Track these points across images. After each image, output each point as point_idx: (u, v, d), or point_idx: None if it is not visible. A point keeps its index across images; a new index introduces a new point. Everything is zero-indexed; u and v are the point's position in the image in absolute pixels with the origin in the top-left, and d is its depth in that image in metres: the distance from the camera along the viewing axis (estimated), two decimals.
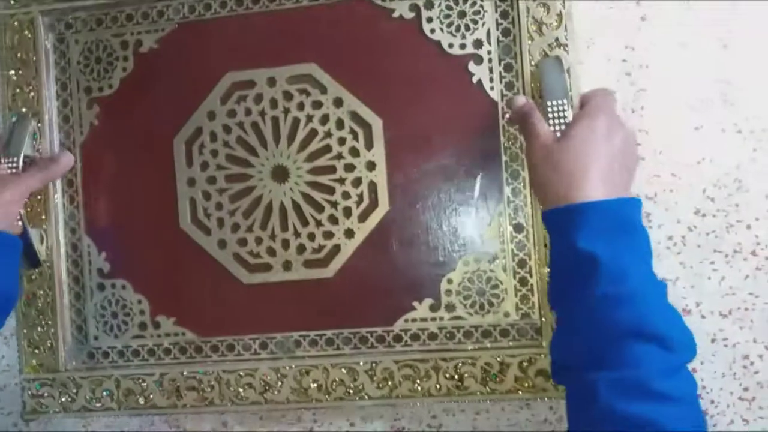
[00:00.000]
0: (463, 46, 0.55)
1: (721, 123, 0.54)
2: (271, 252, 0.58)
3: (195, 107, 0.58)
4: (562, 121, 0.49)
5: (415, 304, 0.56)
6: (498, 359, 0.54)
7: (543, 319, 0.54)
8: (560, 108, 0.50)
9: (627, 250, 0.42)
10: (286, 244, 0.57)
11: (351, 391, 0.56)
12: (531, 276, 0.54)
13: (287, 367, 0.57)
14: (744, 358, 0.54)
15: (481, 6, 0.55)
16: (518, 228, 0.55)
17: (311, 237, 0.57)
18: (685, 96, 0.54)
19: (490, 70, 0.55)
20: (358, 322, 0.57)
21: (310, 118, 0.57)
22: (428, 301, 0.56)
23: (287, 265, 0.57)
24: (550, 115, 0.50)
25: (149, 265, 0.59)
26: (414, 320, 0.56)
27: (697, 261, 0.54)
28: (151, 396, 0.58)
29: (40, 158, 0.57)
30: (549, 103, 0.50)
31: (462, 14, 0.55)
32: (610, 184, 0.44)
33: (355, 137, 0.56)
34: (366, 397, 0.56)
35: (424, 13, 0.55)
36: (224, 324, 0.58)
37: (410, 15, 0.56)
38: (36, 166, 0.56)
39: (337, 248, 0.57)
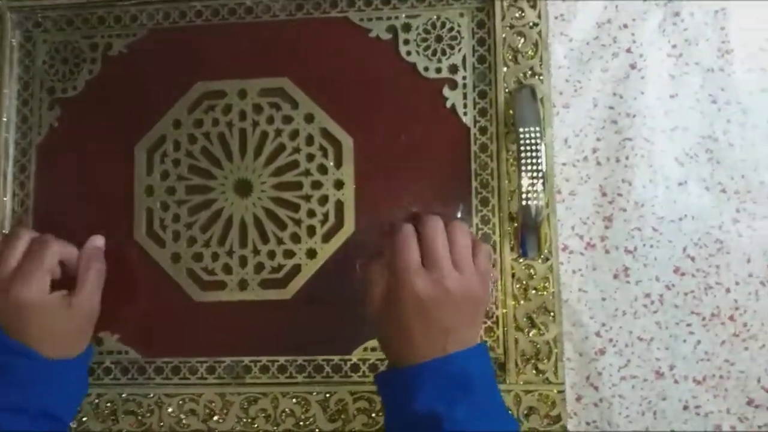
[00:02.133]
0: (438, 71, 0.55)
1: (705, 180, 0.53)
2: (227, 269, 0.55)
3: (161, 115, 0.56)
4: (533, 149, 0.48)
5: None
6: None
7: (507, 355, 0.51)
8: (532, 135, 0.49)
9: (467, 404, 0.40)
10: (243, 261, 0.55)
11: (301, 423, 0.52)
12: (497, 308, 0.52)
13: (234, 394, 0.53)
14: (716, 427, 0.51)
15: (458, 32, 0.55)
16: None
17: (271, 255, 0.54)
18: (671, 150, 0.53)
19: (465, 96, 0.54)
20: (314, 348, 0.53)
21: (279, 133, 0.55)
22: None
23: (243, 284, 0.54)
24: (522, 142, 0.49)
25: None
26: (374, 349, 0.53)
27: (674, 322, 0.52)
28: (84, 419, 0.53)
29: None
30: (521, 130, 0.49)
31: (439, 39, 0.55)
32: (432, 341, 0.42)
33: (325, 154, 0.55)
34: (317, 430, 0.52)
35: (401, 35, 0.55)
36: (171, 344, 0.54)
37: (387, 36, 0.55)
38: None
39: (297, 269, 0.54)
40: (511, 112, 0.53)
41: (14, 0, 0.57)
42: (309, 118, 0.55)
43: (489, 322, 0.52)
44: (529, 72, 0.53)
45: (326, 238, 0.54)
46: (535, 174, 0.48)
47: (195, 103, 0.56)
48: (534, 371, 0.50)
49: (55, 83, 0.57)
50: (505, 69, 0.53)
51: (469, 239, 0.46)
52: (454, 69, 0.55)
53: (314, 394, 0.52)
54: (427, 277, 0.43)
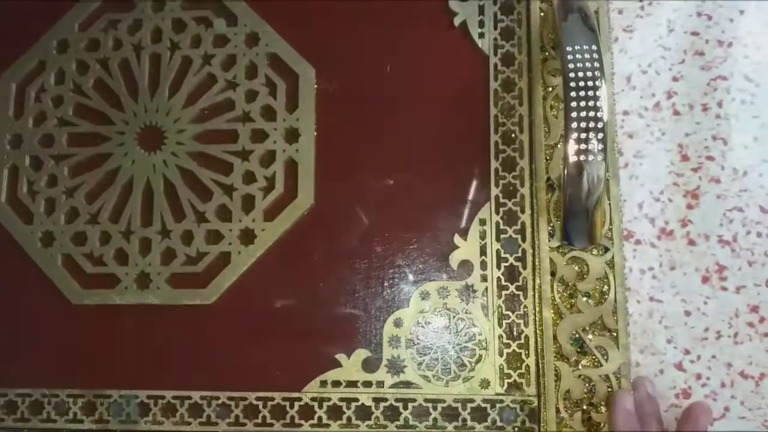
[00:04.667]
0: None
1: None
2: (122, 257, 0.37)
3: (41, 33, 0.39)
4: (587, 82, 0.31)
5: (340, 356, 0.35)
6: None
7: (544, 396, 0.33)
8: (587, 59, 0.31)
9: None
10: (146, 245, 0.37)
11: None
12: (527, 324, 0.34)
13: None
14: None
15: None
16: (510, 245, 0.35)
17: (187, 238, 0.37)
18: None
19: (481, 10, 0.37)
20: (245, 380, 0.35)
21: (208, 60, 0.38)
22: (361, 354, 0.35)
23: (143, 280, 0.37)
24: (570, 66, 0.31)
25: None
26: (336, 383, 0.35)
27: None
28: None
29: None
30: (568, 49, 0.32)
31: None
32: None
33: (273, 92, 0.38)
34: None
35: None
36: (32, 368, 0.37)
37: None
38: None
39: (225, 259, 0.36)
40: (550, 34, 0.36)
41: None
42: (252, 40, 0.38)
43: (514, 346, 0.34)
44: None
45: (271, 214, 0.36)
46: (589, 122, 0.31)
47: (90, 17, 0.40)
48: (586, 423, 0.32)
49: None
50: None
51: None
52: None
53: None
54: None
